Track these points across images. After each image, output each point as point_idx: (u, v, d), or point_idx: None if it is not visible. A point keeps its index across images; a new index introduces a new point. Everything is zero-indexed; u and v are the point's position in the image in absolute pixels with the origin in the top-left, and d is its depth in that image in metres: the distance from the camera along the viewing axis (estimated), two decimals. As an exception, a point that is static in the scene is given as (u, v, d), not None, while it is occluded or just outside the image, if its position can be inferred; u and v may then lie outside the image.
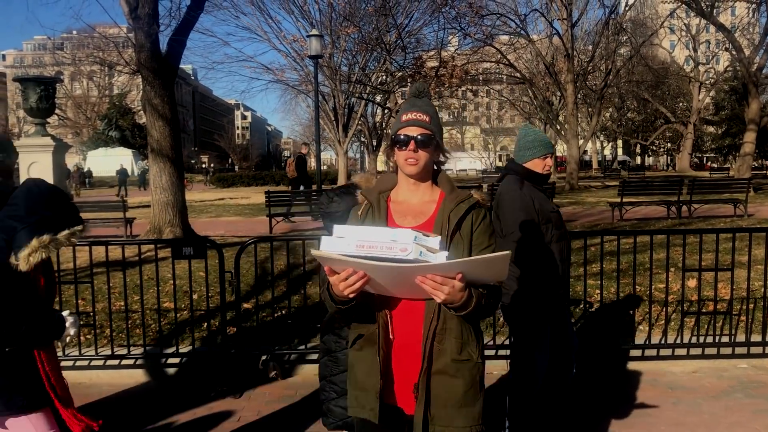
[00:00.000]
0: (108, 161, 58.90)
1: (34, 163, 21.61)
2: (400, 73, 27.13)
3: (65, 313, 2.88)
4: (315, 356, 5.82)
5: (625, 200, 15.61)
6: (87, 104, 76.20)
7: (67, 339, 2.91)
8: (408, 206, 2.42)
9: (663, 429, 4.47)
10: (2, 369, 2.69)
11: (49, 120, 25.14)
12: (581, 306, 6.66)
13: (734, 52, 29.08)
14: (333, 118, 37.81)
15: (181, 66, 13.31)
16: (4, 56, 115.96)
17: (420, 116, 2.36)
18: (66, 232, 2.78)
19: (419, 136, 2.33)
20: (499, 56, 33.66)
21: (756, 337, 5.80)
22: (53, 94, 23.28)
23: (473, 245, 2.35)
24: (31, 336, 2.74)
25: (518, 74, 36.67)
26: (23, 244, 2.66)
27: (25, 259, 2.65)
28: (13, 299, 2.68)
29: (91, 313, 6.01)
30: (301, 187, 18.72)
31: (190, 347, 5.87)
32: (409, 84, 30.15)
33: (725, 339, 5.84)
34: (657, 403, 4.95)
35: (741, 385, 5.26)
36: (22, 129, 70.83)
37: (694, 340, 5.85)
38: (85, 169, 52.16)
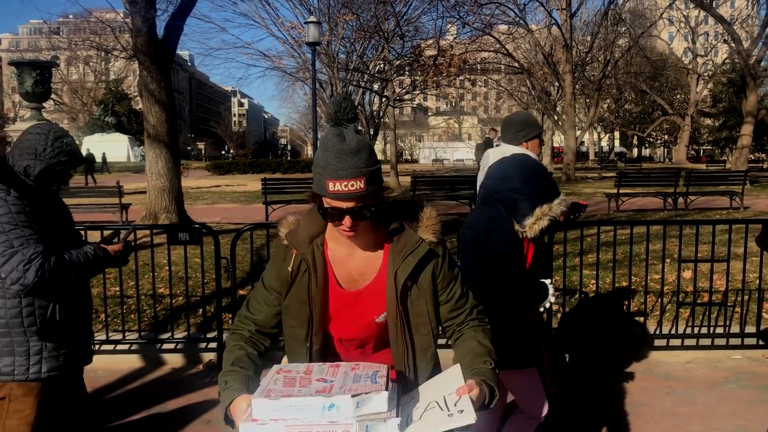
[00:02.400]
0: (104, 147, 58.67)
1: (30, 148, 21.60)
2: (398, 62, 27.00)
3: (547, 281, 3.16)
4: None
5: (621, 191, 15.62)
6: (83, 89, 75.88)
7: (547, 305, 3.17)
8: (350, 261, 2.01)
9: (657, 419, 4.49)
10: (510, 328, 3.05)
11: (45, 105, 25.14)
12: (577, 296, 6.67)
13: (733, 44, 29.06)
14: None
15: (178, 52, 13.24)
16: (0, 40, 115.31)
17: (352, 185, 1.78)
18: (557, 201, 3.07)
19: (356, 208, 1.82)
20: (497, 46, 33.60)
21: (750, 329, 5.82)
22: (49, 78, 23.33)
23: (438, 292, 2.05)
24: (530, 299, 3.09)
25: (516, 64, 36.60)
26: (527, 213, 3.02)
27: (530, 226, 3.02)
28: (518, 265, 3.06)
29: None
30: None
31: (186, 333, 5.86)
32: (407, 73, 30.04)
33: (720, 330, 5.86)
34: (651, 393, 4.97)
35: (735, 376, 5.28)
36: (17, 113, 70.48)
37: (688, 330, 5.86)
38: (85, 154, 51.94)
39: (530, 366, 3.16)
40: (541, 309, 3.19)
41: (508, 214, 3.06)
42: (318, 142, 24.70)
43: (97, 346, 5.70)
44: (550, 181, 3.15)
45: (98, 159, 52.09)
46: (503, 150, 3.47)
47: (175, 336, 5.81)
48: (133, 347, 5.73)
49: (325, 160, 1.80)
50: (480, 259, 3.09)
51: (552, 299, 3.14)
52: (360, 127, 50.48)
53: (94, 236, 6.08)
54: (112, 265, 3.08)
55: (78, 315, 2.97)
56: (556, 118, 38.06)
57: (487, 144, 20.33)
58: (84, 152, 52.77)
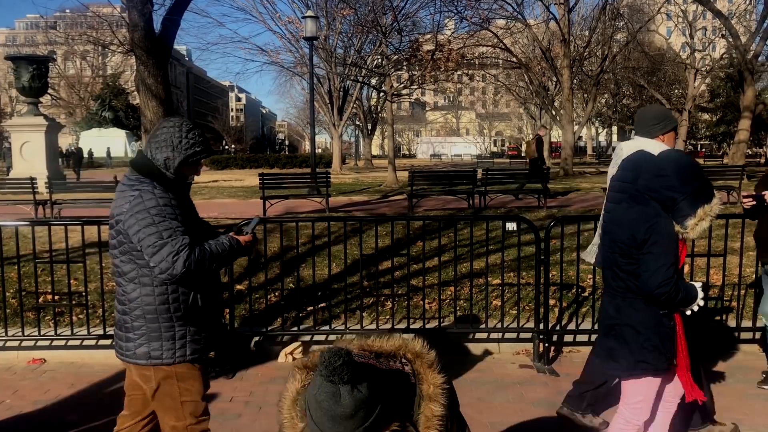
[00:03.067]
0: (101, 142, 58.64)
1: (27, 143, 21.53)
2: (396, 57, 26.95)
3: (698, 285, 3.11)
4: (307, 337, 5.84)
5: (619, 186, 15.58)
6: (80, 84, 75.59)
7: (695, 308, 3.10)
8: None
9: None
10: (653, 331, 3.03)
11: (41, 99, 25.03)
12: (573, 291, 6.68)
13: (731, 39, 29.01)
14: (328, 101, 37.69)
15: (176, 47, 13.22)
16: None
17: None
18: (715, 200, 2.99)
19: None
20: (495, 40, 33.54)
21: (746, 323, 5.83)
22: (46, 73, 23.22)
23: None
24: (681, 301, 3.02)
25: (514, 59, 36.54)
26: (688, 213, 2.93)
27: (692, 227, 2.95)
28: (676, 266, 2.98)
29: (84, 293, 5.99)
30: (543, 167, 18.65)
31: (183, 328, 5.86)
32: (405, 67, 29.99)
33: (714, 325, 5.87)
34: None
35: (731, 370, 5.29)
36: (14, 108, 70.30)
37: (685, 325, 5.87)
38: (74, 149, 51.89)
39: (664, 371, 3.12)
40: (689, 312, 3.13)
41: (666, 213, 2.98)
42: (315, 137, 24.60)
43: (94, 341, 5.70)
44: (705, 178, 3.06)
45: (99, 154, 52.24)
46: (638, 143, 3.41)
47: (173, 331, 5.80)
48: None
49: (320, 420, 1.73)
50: (635, 259, 3.01)
51: (701, 303, 3.08)
52: (357, 122, 50.39)
53: (91, 231, 6.09)
54: (242, 255, 3.16)
55: (213, 301, 3.11)
56: (553, 113, 38.08)
57: (539, 140, 20.31)
58: (73, 148, 52.80)
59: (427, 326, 5.84)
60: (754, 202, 4.75)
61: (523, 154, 77.48)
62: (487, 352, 5.76)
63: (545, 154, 45.64)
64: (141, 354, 2.92)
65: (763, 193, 4.85)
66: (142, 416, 3.16)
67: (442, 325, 5.86)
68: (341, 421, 1.69)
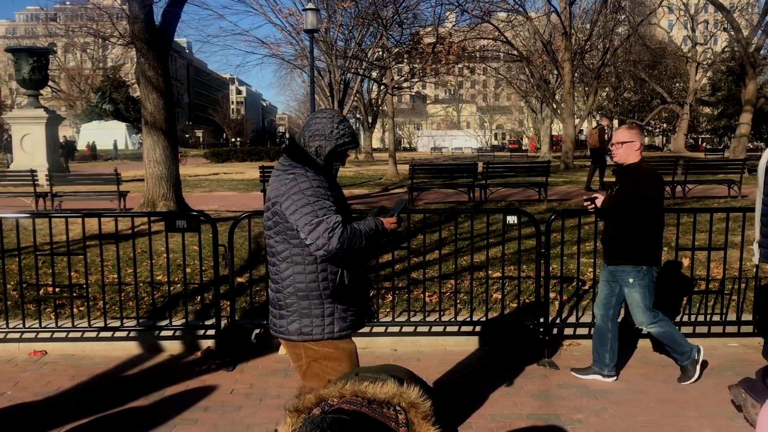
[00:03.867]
0: (102, 134, 58.57)
1: (27, 135, 21.52)
2: (397, 49, 26.88)
3: None
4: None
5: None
6: (80, 76, 75.42)
7: None
8: None
9: (653, 406, 4.51)
10: None
11: (42, 92, 25.00)
12: (574, 284, 6.68)
13: (732, 33, 28.95)
14: (328, 94, 37.57)
15: (176, 39, 13.18)
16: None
17: None
18: None
19: None
20: (496, 33, 33.44)
21: (747, 317, 5.84)
22: (46, 65, 23.19)
23: None
24: None
25: (515, 52, 36.46)
26: None
27: None
28: None
29: (84, 285, 6.00)
30: (606, 156, 18.63)
31: (184, 320, 5.87)
32: (405, 60, 29.92)
33: (716, 318, 5.88)
34: (647, 380, 4.99)
35: (731, 364, 5.30)
36: (14, 101, 70.19)
37: (685, 318, 5.88)
38: (65, 140, 51.80)
39: None
40: None
41: None
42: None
43: (95, 333, 5.71)
44: None
45: (100, 147, 52.16)
46: None
47: (173, 323, 5.81)
48: (131, 334, 5.74)
49: None
50: None
51: None
52: (358, 116, 50.35)
53: (91, 224, 6.09)
54: (386, 237, 3.28)
55: (360, 281, 3.23)
56: (554, 106, 37.96)
57: (601, 131, 20.30)
58: (64, 140, 52.77)
59: (427, 319, 5.85)
60: (593, 207, 4.89)
61: (524, 148, 77.24)
62: (486, 344, 5.77)
63: (544, 148, 45.56)
64: (293, 330, 3.08)
65: (594, 196, 4.95)
66: None
67: (442, 318, 5.87)
68: None
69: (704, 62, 57.69)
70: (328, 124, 3.11)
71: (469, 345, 5.76)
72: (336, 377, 2.96)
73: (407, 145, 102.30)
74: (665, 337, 4.88)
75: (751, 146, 53.10)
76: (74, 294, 6.14)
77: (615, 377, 5.00)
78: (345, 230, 2.92)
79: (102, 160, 46.84)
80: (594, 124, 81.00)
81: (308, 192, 2.94)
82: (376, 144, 74.97)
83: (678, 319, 5.85)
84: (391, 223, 3.17)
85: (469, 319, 5.89)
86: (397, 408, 1.87)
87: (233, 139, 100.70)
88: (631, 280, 4.74)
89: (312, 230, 2.90)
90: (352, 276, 3.11)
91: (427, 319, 5.86)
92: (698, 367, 4.87)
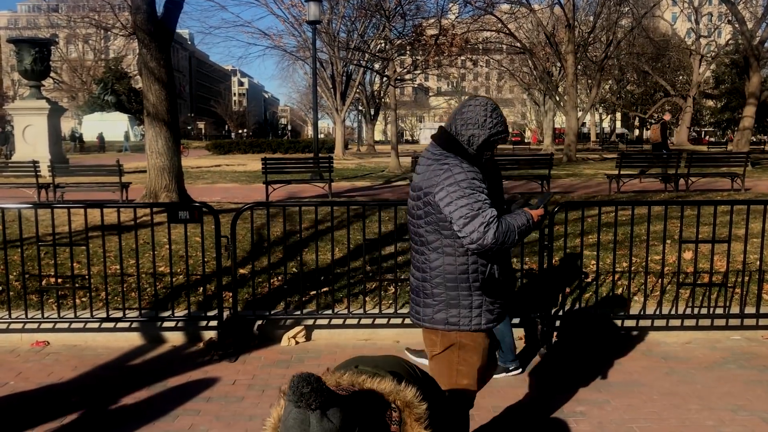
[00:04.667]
0: (104, 126, 58.53)
1: (29, 126, 21.52)
2: (400, 41, 26.81)
3: None
4: (309, 321, 5.84)
5: (622, 173, 15.59)
6: (82, 68, 75.39)
7: None
8: None
9: (656, 398, 4.51)
10: None
11: (44, 83, 24.97)
12: (576, 276, 6.67)
13: (736, 25, 28.79)
14: (331, 86, 37.57)
15: (178, 31, 13.14)
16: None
17: None
18: None
19: None
20: (499, 25, 33.33)
21: (750, 309, 5.82)
22: (48, 56, 23.17)
23: None
24: None
25: (519, 44, 36.34)
26: None
27: None
28: None
29: (87, 276, 5.99)
30: (663, 152, 18.65)
31: (186, 311, 5.87)
32: (408, 52, 29.83)
33: (719, 311, 5.86)
34: (650, 372, 4.98)
35: (734, 357, 5.29)
36: (16, 92, 70.19)
37: (688, 311, 5.87)
38: (79, 134, 51.86)
39: None
40: None
41: None
42: (318, 122, 24.58)
43: (97, 324, 5.71)
44: None
45: (128, 138, 52.27)
46: None
47: (176, 314, 5.81)
48: (134, 325, 5.74)
49: None
50: None
51: None
52: (360, 108, 50.19)
53: (94, 214, 6.08)
54: (535, 230, 3.25)
55: (507, 274, 3.24)
56: (557, 98, 37.88)
57: (663, 125, 20.27)
58: (95, 132, 52.90)
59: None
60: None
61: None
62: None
63: (547, 140, 45.44)
64: (439, 319, 3.07)
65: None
66: None
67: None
68: None
69: (708, 55, 57.53)
70: (481, 112, 3.03)
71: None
72: (466, 367, 3.04)
73: (409, 138, 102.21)
74: (498, 331, 4.81)
75: (755, 139, 53.01)
76: (77, 285, 6.14)
77: (521, 370, 4.98)
78: (500, 225, 2.88)
79: (114, 150, 46.85)
80: (597, 117, 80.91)
81: (464, 184, 2.89)
82: (378, 136, 74.92)
83: (681, 311, 5.84)
84: (538, 215, 3.14)
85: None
86: (393, 405, 1.86)
87: (240, 131, 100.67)
88: None
89: (467, 223, 2.85)
90: (500, 269, 3.09)
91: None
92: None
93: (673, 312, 5.82)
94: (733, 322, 5.77)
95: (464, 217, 2.85)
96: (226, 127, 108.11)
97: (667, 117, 21.57)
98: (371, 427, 1.77)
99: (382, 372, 1.98)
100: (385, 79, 31.44)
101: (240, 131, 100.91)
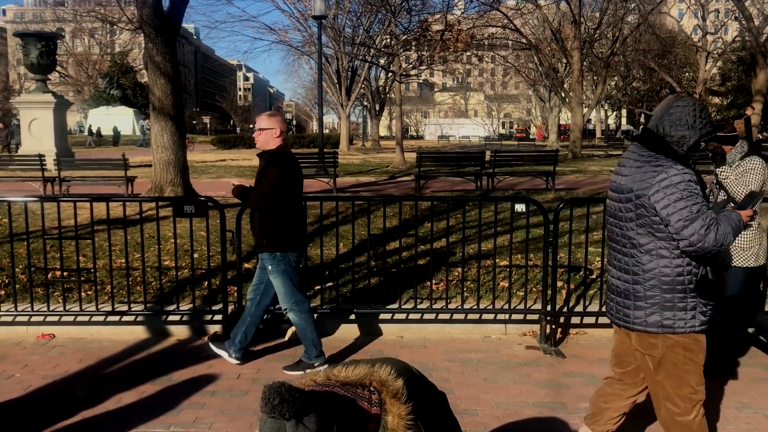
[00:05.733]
0: (109, 120, 58.57)
1: (35, 120, 21.56)
2: (405, 36, 26.76)
3: None
4: (315, 315, 5.85)
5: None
6: (88, 62, 75.40)
7: None
8: None
9: (659, 395, 4.50)
10: None
11: (50, 77, 25.03)
12: (581, 273, 6.67)
13: (743, 22, 28.67)
14: (336, 81, 37.51)
15: (184, 25, 13.15)
16: (4, 11, 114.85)
17: None
18: None
19: None
20: (505, 21, 33.25)
21: (755, 307, 5.80)
22: (54, 50, 23.21)
23: None
24: None
25: (524, 40, 36.25)
26: None
27: None
28: None
29: (92, 270, 6.02)
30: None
31: (191, 305, 5.89)
32: (413, 48, 29.78)
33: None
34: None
35: (739, 353, 5.28)
36: (22, 85, 70.29)
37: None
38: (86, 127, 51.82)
39: None
40: None
41: None
42: (323, 117, 24.57)
43: (102, 317, 5.73)
44: None
45: (105, 132, 52.24)
46: None
47: (181, 308, 5.84)
48: (139, 319, 5.76)
49: None
50: None
51: None
52: (365, 103, 50.13)
53: (99, 208, 6.10)
54: (743, 230, 3.28)
55: (720, 276, 3.15)
56: (563, 95, 37.78)
57: (747, 120, 20.22)
58: (101, 126, 52.94)
59: (434, 306, 5.85)
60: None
61: (532, 137, 76.95)
62: (494, 333, 5.77)
63: (552, 137, 45.33)
64: (652, 322, 3.04)
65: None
66: (639, 386, 3.38)
67: (449, 306, 5.87)
68: None
69: (714, 52, 57.25)
70: (690, 113, 2.97)
71: (475, 333, 5.76)
72: (693, 367, 3.06)
73: (414, 133, 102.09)
74: (299, 327, 4.94)
75: (761, 137, 52.77)
76: (82, 278, 6.17)
77: (239, 361, 4.97)
78: (719, 227, 2.86)
79: (131, 144, 46.82)
80: (603, 113, 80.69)
81: (681, 186, 2.86)
82: (383, 132, 74.87)
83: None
84: (748, 216, 3.14)
85: (495, 307, 5.88)
86: (371, 388, 1.87)
87: (250, 126, 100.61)
88: (270, 267, 4.80)
89: (686, 226, 2.83)
90: (714, 270, 3.05)
91: (434, 306, 5.86)
92: (308, 371, 4.84)
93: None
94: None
95: (683, 220, 2.84)
96: (231, 121, 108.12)
97: (749, 111, 21.34)
98: (349, 420, 1.77)
99: (354, 363, 1.99)
100: (390, 74, 31.42)
101: (251, 126, 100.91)
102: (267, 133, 4.82)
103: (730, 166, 4.72)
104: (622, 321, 3.18)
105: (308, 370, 1.82)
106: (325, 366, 4.87)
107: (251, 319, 4.99)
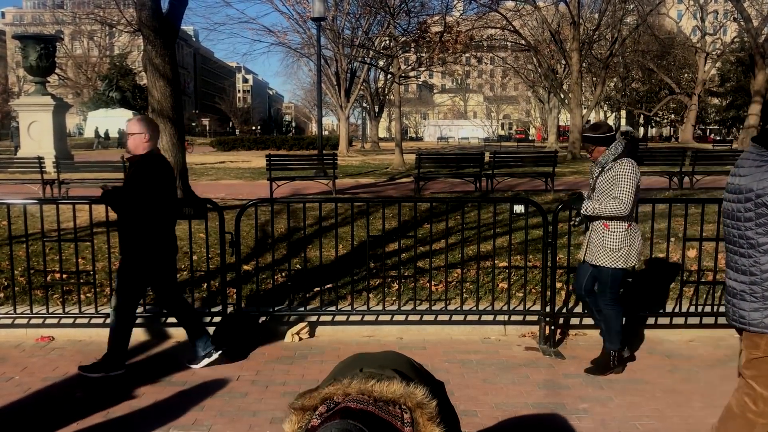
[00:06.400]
0: (109, 122, 58.56)
1: (34, 122, 21.56)
2: (404, 38, 26.78)
3: None
4: (313, 318, 5.85)
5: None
6: (87, 64, 75.47)
7: None
8: None
9: (659, 396, 4.51)
10: None
11: (49, 79, 25.00)
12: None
13: (742, 23, 28.73)
14: (335, 83, 37.56)
15: (183, 27, 13.15)
16: (3, 14, 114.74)
17: None
18: None
19: None
20: (504, 22, 33.27)
21: (754, 308, 5.81)
22: (53, 52, 23.19)
23: None
24: None
25: (523, 41, 36.28)
26: None
27: None
28: None
29: (91, 272, 6.01)
30: None
31: (190, 307, 5.88)
32: (412, 49, 29.81)
33: (723, 309, 5.85)
34: (654, 370, 4.99)
35: (736, 355, 5.26)
36: (22, 88, 70.34)
37: (692, 309, 5.87)
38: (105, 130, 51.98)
39: None
40: None
41: None
42: (322, 119, 24.50)
43: (101, 320, 5.73)
44: None
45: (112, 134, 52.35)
46: None
47: (180, 310, 5.83)
48: (138, 321, 5.74)
49: None
50: None
51: None
52: (365, 105, 50.18)
53: (98, 210, 6.10)
54: None
55: None
56: (562, 96, 37.80)
57: None
58: (100, 129, 52.96)
59: (433, 308, 5.85)
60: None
61: (531, 138, 77.06)
62: (493, 334, 5.77)
63: (551, 138, 45.34)
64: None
65: None
66: None
67: (448, 307, 5.87)
68: None
69: (713, 53, 57.32)
70: None
71: (474, 334, 5.77)
72: None
73: (414, 135, 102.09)
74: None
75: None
76: (81, 280, 6.16)
77: (121, 371, 4.88)
78: None
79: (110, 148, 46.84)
80: (602, 114, 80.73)
81: None
82: (382, 133, 74.89)
83: (684, 309, 5.84)
84: None
85: (495, 308, 5.89)
86: (403, 407, 1.87)
87: (253, 128, 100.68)
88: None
89: None
90: None
91: (433, 308, 5.87)
92: (206, 361, 4.98)
93: (676, 310, 5.83)
94: (736, 320, 5.76)
95: None
96: (231, 123, 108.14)
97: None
98: None
99: (389, 372, 1.98)
100: (389, 76, 31.44)
101: (253, 127, 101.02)
102: (136, 137, 4.80)
103: (603, 168, 4.74)
104: (738, 322, 3.17)
105: (351, 376, 1.78)
106: (215, 355, 5.00)
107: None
